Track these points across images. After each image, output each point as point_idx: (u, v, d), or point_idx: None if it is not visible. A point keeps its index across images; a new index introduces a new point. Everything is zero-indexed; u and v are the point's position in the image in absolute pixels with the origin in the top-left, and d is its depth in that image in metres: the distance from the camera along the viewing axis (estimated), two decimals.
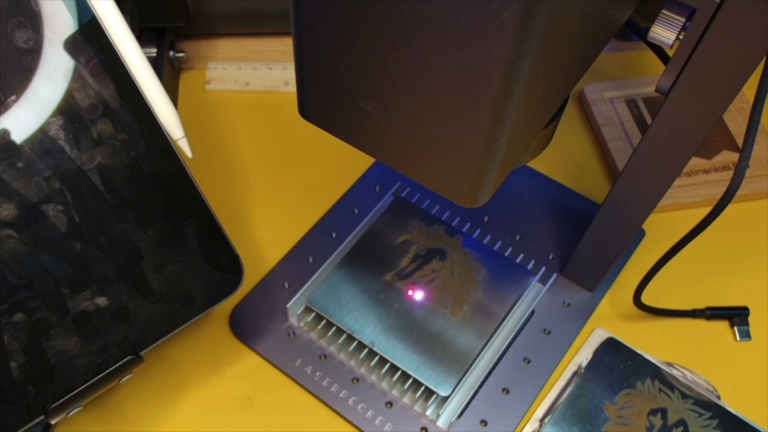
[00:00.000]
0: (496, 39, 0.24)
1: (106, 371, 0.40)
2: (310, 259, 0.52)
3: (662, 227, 0.54)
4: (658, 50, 0.40)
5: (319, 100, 0.32)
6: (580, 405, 0.46)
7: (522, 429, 0.46)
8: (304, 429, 0.46)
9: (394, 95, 0.29)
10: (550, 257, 0.53)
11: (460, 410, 0.46)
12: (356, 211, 0.54)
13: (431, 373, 0.45)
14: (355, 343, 0.47)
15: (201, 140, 0.57)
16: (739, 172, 0.36)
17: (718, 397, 0.47)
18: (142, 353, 0.41)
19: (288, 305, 0.48)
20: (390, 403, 0.47)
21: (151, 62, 0.42)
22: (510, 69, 0.25)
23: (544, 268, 0.51)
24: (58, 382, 0.38)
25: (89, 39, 0.38)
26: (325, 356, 0.48)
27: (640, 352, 0.48)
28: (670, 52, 0.35)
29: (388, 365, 0.46)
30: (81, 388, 0.39)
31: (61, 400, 0.38)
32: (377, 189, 0.55)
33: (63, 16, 0.37)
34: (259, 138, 0.58)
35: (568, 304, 0.51)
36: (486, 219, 0.54)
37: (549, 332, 0.50)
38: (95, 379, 0.39)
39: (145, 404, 0.46)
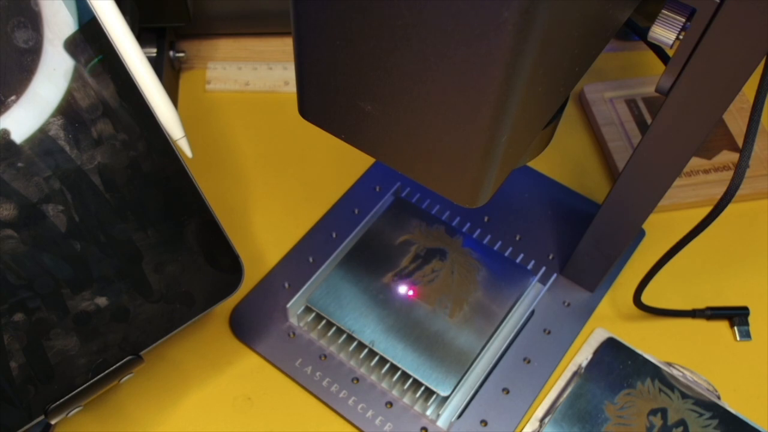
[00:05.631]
0: (496, 39, 0.24)
1: (106, 371, 0.40)
2: (310, 259, 0.52)
3: (662, 227, 0.54)
4: (658, 50, 0.40)
5: (319, 100, 0.32)
6: (580, 405, 0.46)
7: (522, 429, 0.46)
8: (304, 429, 0.46)
9: (394, 95, 0.29)
10: (550, 257, 0.53)
11: (460, 410, 0.46)
12: (356, 211, 0.54)
13: (431, 373, 0.45)
14: (355, 343, 0.47)
15: (201, 140, 0.57)
16: (739, 172, 0.36)
17: (718, 397, 0.47)
18: (142, 353, 0.41)
19: (288, 305, 0.48)
20: (390, 403, 0.47)
21: (151, 62, 0.42)
22: (510, 69, 0.25)
23: (544, 268, 0.51)
24: (58, 382, 0.38)
25: (89, 39, 0.38)
26: (325, 356, 0.48)
27: (640, 352, 0.48)
28: (670, 52, 0.35)
29: (388, 365, 0.46)
30: (81, 388, 0.39)
31: (61, 400, 0.38)
32: (377, 189, 0.55)
33: (63, 16, 0.37)
34: (259, 138, 0.58)
35: (568, 304, 0.51)
36: (486, 219, 0.54)
37: (549, 332, 0.50)
38: (95, 379, 0.39)
39: (145, 404, 0.46)
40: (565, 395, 0.46)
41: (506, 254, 0.51)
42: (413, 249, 0.50)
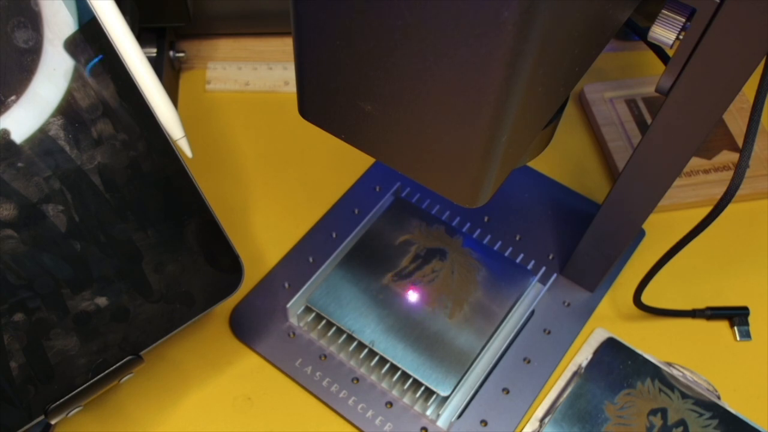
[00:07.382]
0: (496, 39, 0.24)
1: (106, 371, 0.40)
2: (310, 259, 0.52)
3: (662, 227, 0.54)
4: (658, 50, 0.40)
5: (319, 100, 0.32)
6: (580, 405, 0.46)
7: (522, 429, 0.46)
8: (304, 429, 0.46)
9: (394, 95, 0.29)
10: (550, 257, 0.53)
11: (460, 410, 0.46)
12: (356, 211, 0.54)
13: (431, 373, 0.45)
14: (355, 343, 0.47)
15: (201, 140, 0.57)
16: (739, 172, 0.36)
17: (718, 397, 0.47)
18: (142, 353, 0.41)
19: (288, 305, 0.48)
20: (390, 403, 0.47)
21: (151, 62, 0.42)
22: (510, 69, 0.25)
23: (544, 268, 0.51)
24: (58, 382, 0.38)
25: (89, 39, 0.38)
26: (325, 356, 0.48)
27: (640, 352, 0.48)
28: (670, 52, 0.35)
29: (388, 365, 0.46)
30: (81, 388, 0.39)
31: (61, 400, 0.38)
32: (377, 189, 0.55)
33: (63, 16, 0.37)
34: (259, 138, 0.58)
35: (568, 304, 0.51)
36: (486, 219, 0.54)
37: (549, 332, 0.50)
38: (95, 379, 0.39)
39: (145, 404, 0.46)
40: (565, 395, 0.46)
41: (506, 254, 0.51)
42: (413, 249, 0.50)
